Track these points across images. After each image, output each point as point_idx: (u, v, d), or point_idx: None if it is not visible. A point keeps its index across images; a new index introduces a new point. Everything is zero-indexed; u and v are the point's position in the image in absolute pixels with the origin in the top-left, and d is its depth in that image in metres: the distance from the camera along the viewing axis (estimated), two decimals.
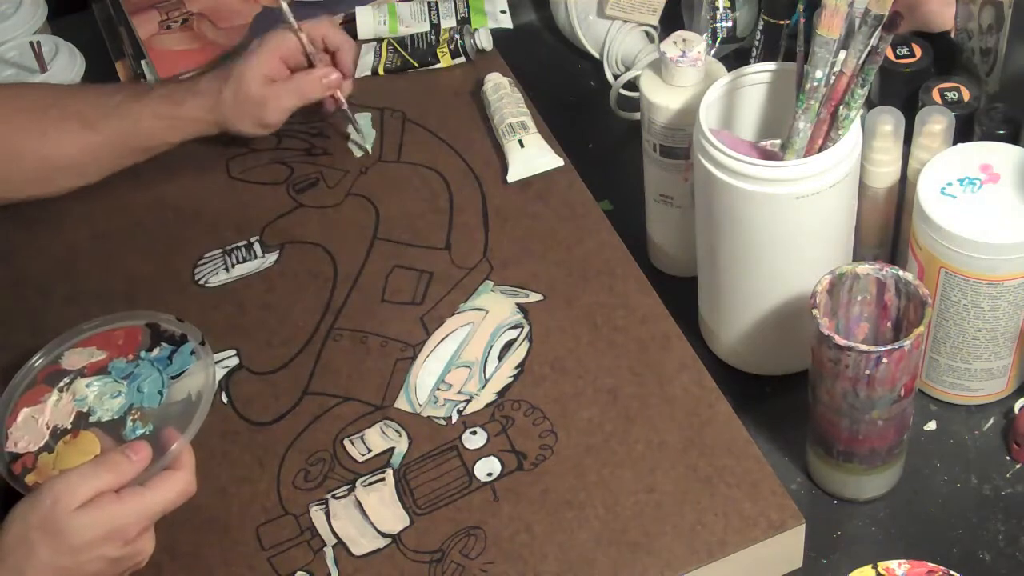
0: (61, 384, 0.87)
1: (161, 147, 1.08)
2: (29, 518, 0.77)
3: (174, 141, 1.08)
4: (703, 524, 0.82)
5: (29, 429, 0.85)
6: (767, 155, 0.87)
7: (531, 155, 1.06)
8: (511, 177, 1.06)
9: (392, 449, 0.89)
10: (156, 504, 0.79)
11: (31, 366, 0.89)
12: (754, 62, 0.98)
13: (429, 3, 1.25)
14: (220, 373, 0.95)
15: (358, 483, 0.87)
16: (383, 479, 0.87)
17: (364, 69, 1.19)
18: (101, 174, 1.08)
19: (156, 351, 0.87)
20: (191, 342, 0.88)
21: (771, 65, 0.91)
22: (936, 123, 0.89)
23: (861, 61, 0.82)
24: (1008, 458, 0.90)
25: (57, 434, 0.85)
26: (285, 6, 1.07)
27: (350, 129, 1.12)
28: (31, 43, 1.18)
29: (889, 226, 0.96)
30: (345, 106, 1.10)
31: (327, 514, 0.86)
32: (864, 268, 0.82)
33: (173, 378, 0.85)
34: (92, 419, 0.85)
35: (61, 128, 1.04)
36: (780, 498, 0.82)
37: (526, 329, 0.95)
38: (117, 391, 0.85)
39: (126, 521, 0.78)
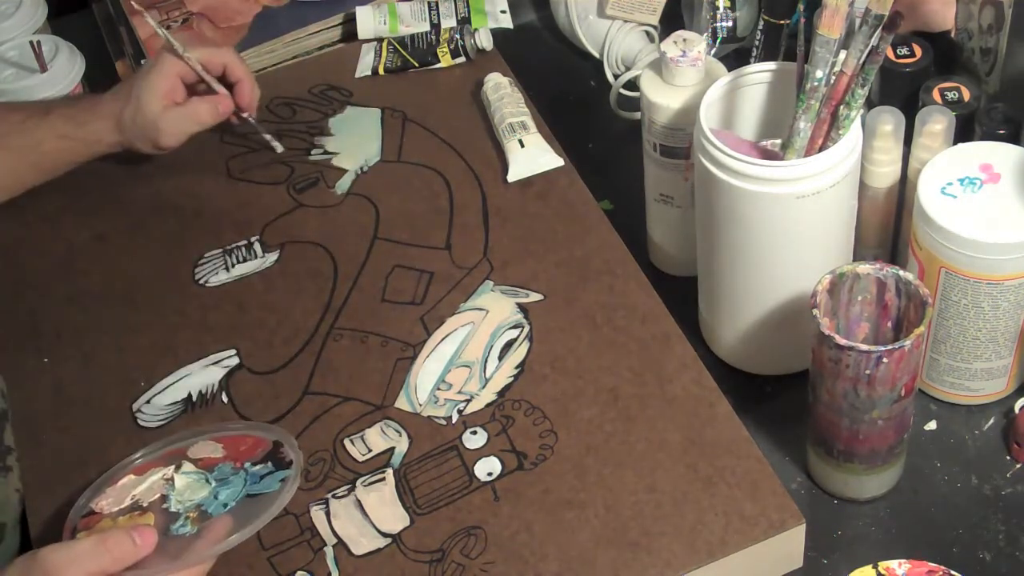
0: (173, 466, 0.86)
1: (66, 167, 1.06)
2: None
3: (78, 161, 1.06)
4: (703, 524, 0.82)
5: (120, 494, 0.84)
6: (767, 155, 0.88)
7: (531, 155, 1.06)
8: (511, 177, 1.06)
9: (392, 449, 0.89)
10: None
11: (169, 440, 0.89)
12: (754, 62, 0.98)
13: (429, 3, 1.25)
14: (220, 374, 0.95)
15: (358, 483, 0.87)
16: (383, 479, 0.87)
17: (364, 69, 1.19)
18: (4, 194, 1.06)
19: (260, 466, 0.85)
20: (291, 471, 0.84)
21: (771, 65, 0.91)
22: (936, 123, 0.89)
23: (861, 61, 0.82)
24: (1008, 458, 0.90)
25: (133, 508, 0.83)
26: (164, 32, 1.06)
27: (265, 136, 1.11)
28: (31, 43, 1.18)
29: (889, 226, 0.96)
30: (252, 119, 1.09)
31: (327, 514, 0.86)
32: (864, 268, 0.82)
33: (250, 496, 0.83)
34: (164, 504, 0.83)
35: None
36: (780, 498, 0.82)
37: (526, 329, 0.95)
38: (202, 491, 0.84)
39: None
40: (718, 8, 1.16)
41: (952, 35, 1.04)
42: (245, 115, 1.09)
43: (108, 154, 1.07)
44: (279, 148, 1.11)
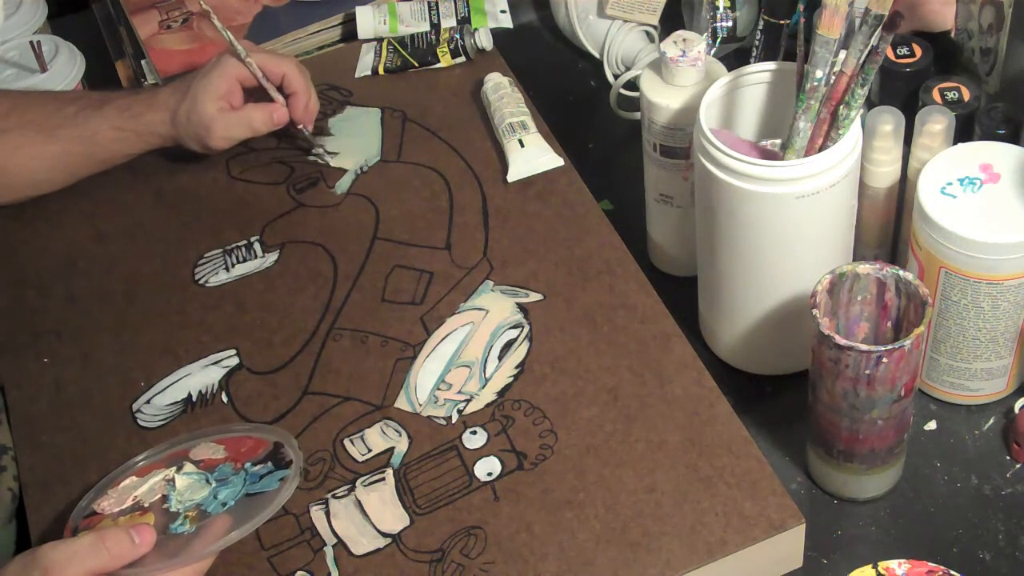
0: (175, 467, 0.86)
1: (121, 158, 1.07)
2: None
3: (132, 153, 1.07)
4: (703, 524, 0.82)
5: (121, 495, 0.85)
6: (767, 155, 0.88)
7: (531, 155, 1.06)
8: (511, 177, 1.06)
9: (392, 449, 0.89)
10: None
11: (172, 442, 0.89)
12: (754, 62, 0.98)
13: (429, 3, 1.25)
14: (220, 373, 0.95)
15: (358, 483, 0.87)
16: (383, 479, 0.87)
17: (364, 69, 1.19)
18: (56, 184, 1.07)
19: (260, 466, 0.86)
20: (290, 470, 0.85)
21: (771, 65, 0.91)
22: (936, 123, 0.89)
23: (861, 61, 0.82)
24: (1008, 458, 0.90)
25: (134, 509, 0.84)
26: (230, 35, 1.06)
27: (319, 150, 1.11)
28: (31, 43, 1.18)
29: (889, 226, 0.96)
30: (307, 131, 1.10)
31: (327, 514, 0.86)
32: (864, 268, 0.82)
33: (249, 495, 0.84)
34: (164, 504, 0.84)
35: (18, 135, 1.03)
36: (780, 498, 0.82)
37: (526, 329, 0.95)
38: (202, 491, 0.84)
39: None
40: (718, 8, 1.16)
41: (952, 35, 1.05)
42: (300, 127, 1.09)
43: (162, 147, 1.07)
44: (331, 164, 1.11)
